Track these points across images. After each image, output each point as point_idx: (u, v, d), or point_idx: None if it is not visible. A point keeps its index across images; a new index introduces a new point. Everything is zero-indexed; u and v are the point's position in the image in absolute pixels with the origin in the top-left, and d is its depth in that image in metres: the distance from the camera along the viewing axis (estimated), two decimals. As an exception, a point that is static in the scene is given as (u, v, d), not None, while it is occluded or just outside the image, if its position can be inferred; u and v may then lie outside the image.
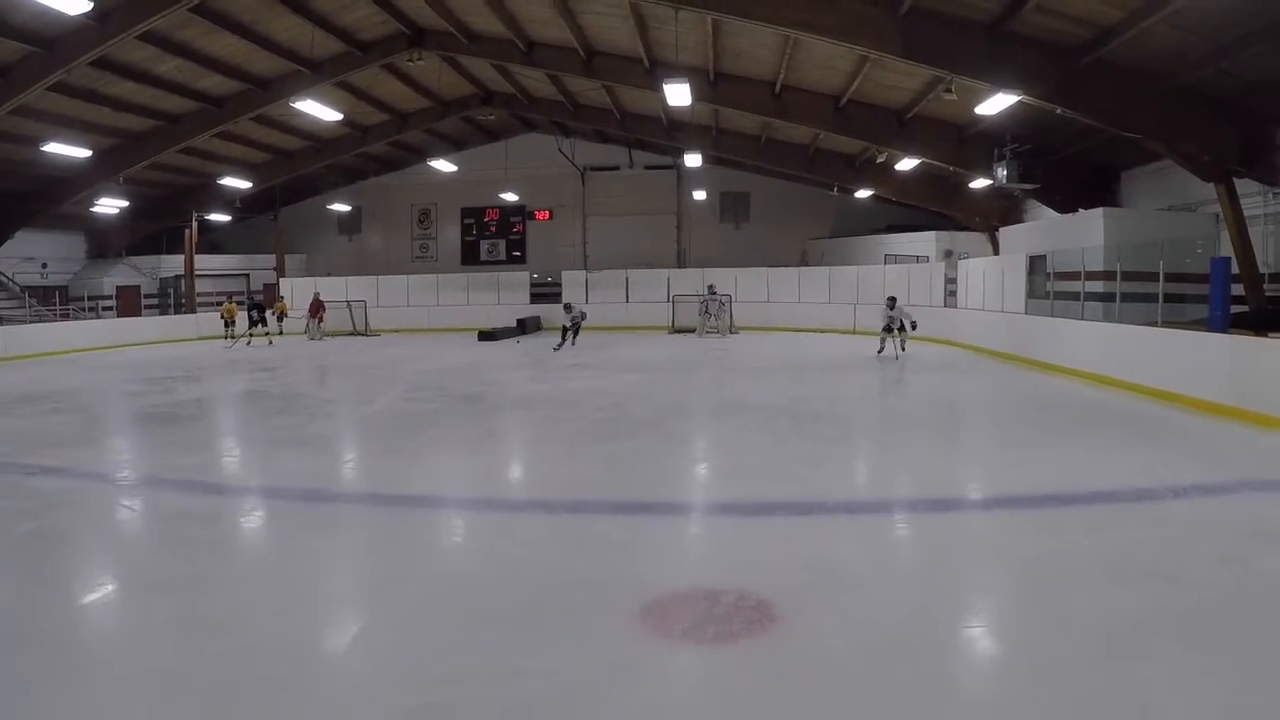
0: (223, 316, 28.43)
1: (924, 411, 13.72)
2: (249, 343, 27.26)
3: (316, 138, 29.95)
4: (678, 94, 16.65)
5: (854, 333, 28.20)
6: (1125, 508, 7.59)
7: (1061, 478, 8.53)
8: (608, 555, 6.36)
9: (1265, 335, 13.08)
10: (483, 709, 4.04)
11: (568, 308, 23.89)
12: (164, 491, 8.58)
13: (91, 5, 12.42)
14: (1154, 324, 14.94)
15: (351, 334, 31.27)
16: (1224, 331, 13.88)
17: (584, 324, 24.20)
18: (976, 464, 9.96)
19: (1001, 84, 15.12)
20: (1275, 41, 12.60)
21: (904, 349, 20.73)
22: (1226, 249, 16.04)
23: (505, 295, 33.44)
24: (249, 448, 11.23)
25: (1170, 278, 15.77)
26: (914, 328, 19.64)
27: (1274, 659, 4.48)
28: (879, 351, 20.24)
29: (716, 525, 7.44)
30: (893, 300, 21.13)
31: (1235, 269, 15.55)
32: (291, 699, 4.16)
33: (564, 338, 23.22)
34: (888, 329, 20.86)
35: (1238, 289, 15.69)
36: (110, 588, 5.97)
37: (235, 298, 30.18)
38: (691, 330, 29.20)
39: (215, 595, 5.54)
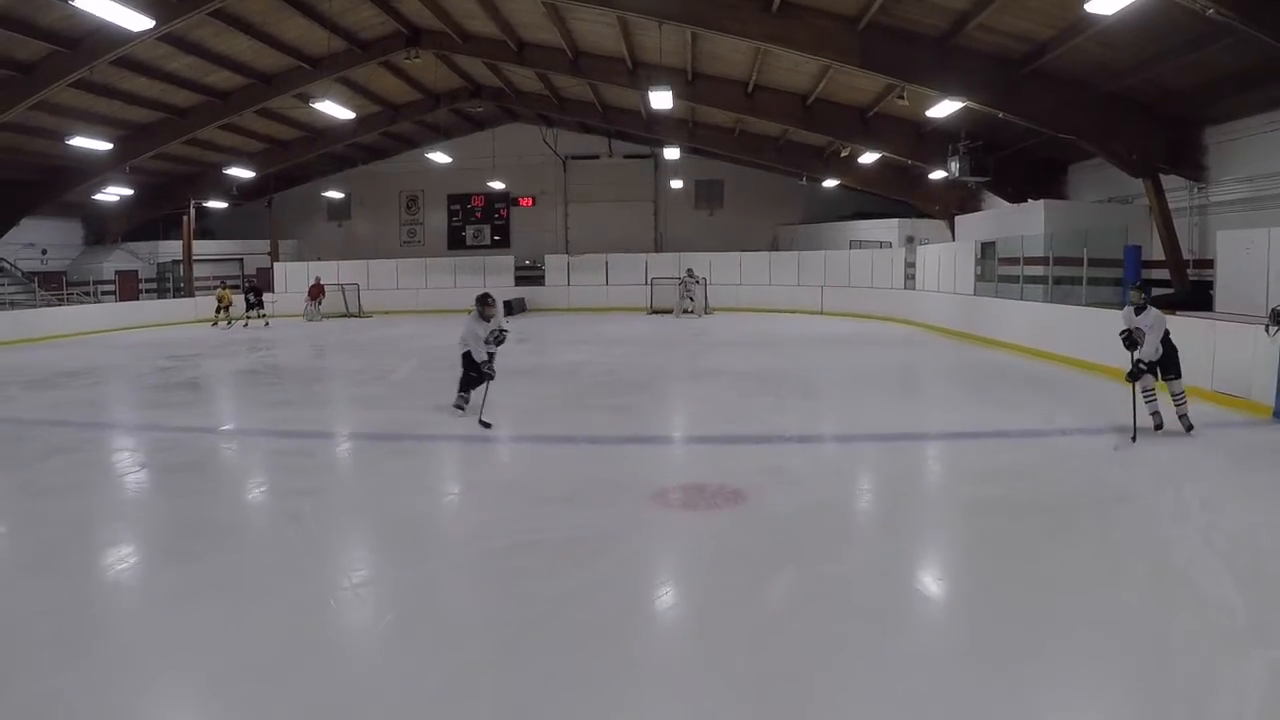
0: (218, 299, 29.27)
1: (872, 376, 15.67)
2: (245, 324, 28.31)
3: (311, 129, 31.10)
4: (661, 99, 18.49)
5: (821, 313, 30.16)
6: (1016, 441, 9.76)
7: (973, 422, 10.83)
8: (623, 466, 8.59)
9: (1173, 313, 15.04)
10: (552, 544, 6.09)
11: (484, 301, 11.40)
12: (257, 438, 10.53)
13: (154, 24, 13.73)
14: (1079, 304, 16.91)
15: (345, 316, 32.65)
16: (1132, 309, 15.84)
17: (556, 308, 24.08)
18: (908, 413, 12.12)
19: (949, 92, 17.01)
20: (1187, 57, 14.43)
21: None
22: (1156, 238, 17.97)
23: (491, 279, 34.52)
24: (308, 408, 13.05)
25: (1100, 263, 17.72)
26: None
27: (1094, 526, 6.57)
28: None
29: (700, 449, 9.69)
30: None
31: (1162, 256, 17.59)
32: (426, 538, 6.35)
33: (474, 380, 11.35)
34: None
35: (1165, 273, 17.69)
36: (261, 491, 7.92)
37: (228, 282, 31.24)
38: (669, 311, 30.81)
39: (341, 497, 7.60)
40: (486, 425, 10.19)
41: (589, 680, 4.12)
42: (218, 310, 28.91)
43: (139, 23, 13.22)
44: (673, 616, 5.10)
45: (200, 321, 30.41)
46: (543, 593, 5.16)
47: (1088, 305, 16.63)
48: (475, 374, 10.90)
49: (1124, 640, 4.54)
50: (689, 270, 31.00)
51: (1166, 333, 9.58)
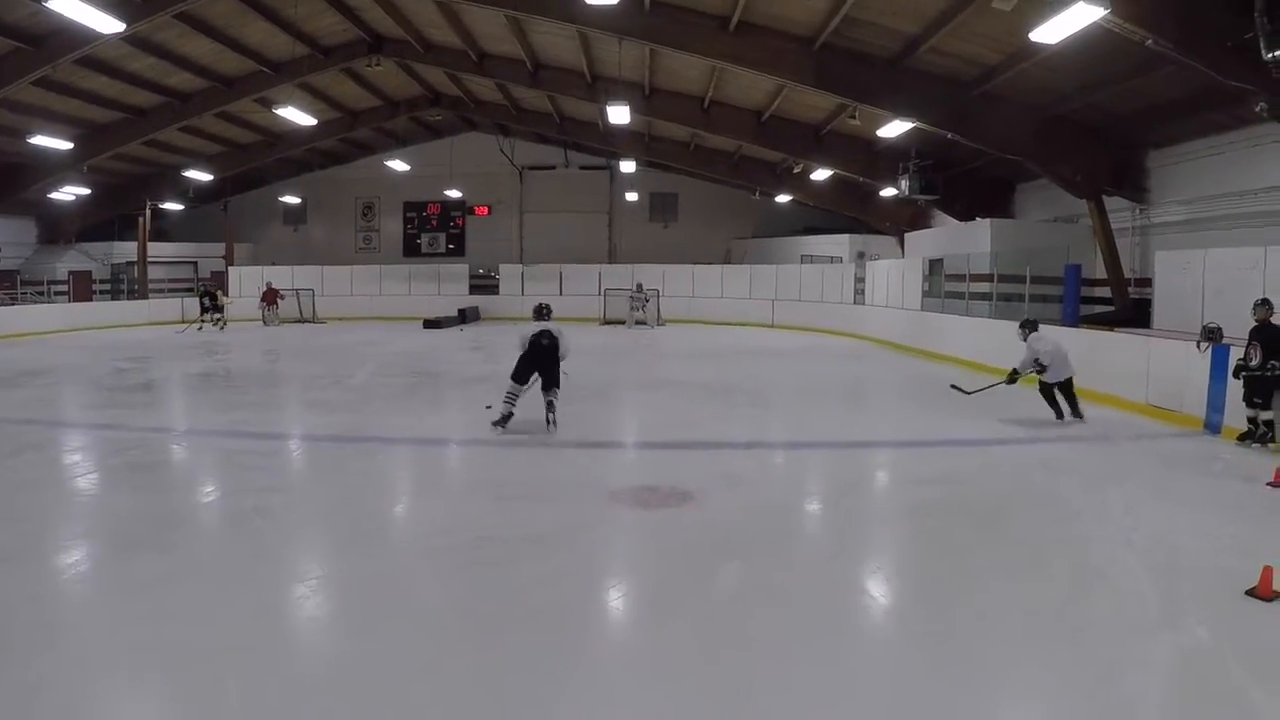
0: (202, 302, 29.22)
1: (820, 388, 16.16)
2: (199, 328, 28.01)
3: (270, 133, 30.96)
4: (618, 114, 18.86)
5: (772, 326, 30.70)
6: (955, 449, 10.26)
7: (915, 431, 11.31)
8: (579, 468, 9.01)
9: (1112, 330, 15.66)
10: (513, 539, 6.42)
11: (542, 312, 11.36)
12: (219, 439, 10.69)
13: (124, 27, 13.82)
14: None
15: (300, 321, 32.50)
16: (1074, 325, 16.50)
17: (510, 316, 23.58)
18: (853, 423, 12.72)
19: (900, 112, 17.50)
20: (1130, 83, 14.98)
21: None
22: (1100, 257, 18.52)
23: (445, 286, 35.07)
24: (268, 410, 13.24)
25: (1043, 280, 18.27)
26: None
27: (1020, 527, 7.07)
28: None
29: (652, 454, 10.04)
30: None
31: (1105, 274, 18.17)
32: (391, 532, 6.70)
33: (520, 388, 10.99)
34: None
35: (1108, 291, 18.29)
36: (214, 492, 8.14)
37: (206, 284, 31.12)
38: (622, 322, 31.18)
39: (306, 494, 7.86)
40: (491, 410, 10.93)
41: (551, 662, 4.43)
42: (207, 310, 28.90)
43: (109, 25, 13.25)
44: (627, 605, 5.44)
45: (155, 324, 30.17)
46: (505, 582, 5.48)
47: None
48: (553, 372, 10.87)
49: (1043, 628, 4.95)
50: (638, 284, 31.42)
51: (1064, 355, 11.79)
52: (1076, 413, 11.75)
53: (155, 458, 9.39)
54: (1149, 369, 12.59)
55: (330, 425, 11.34)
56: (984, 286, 19.85)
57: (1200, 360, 11.09)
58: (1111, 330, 15.59)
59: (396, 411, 12.46)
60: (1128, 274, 18.30)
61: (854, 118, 18.89)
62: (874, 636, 4.96)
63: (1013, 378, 12.13)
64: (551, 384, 10.76)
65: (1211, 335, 10.93)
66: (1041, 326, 12.37)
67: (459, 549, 6.17)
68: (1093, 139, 17.92)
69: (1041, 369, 11.70)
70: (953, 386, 13.13)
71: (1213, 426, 10.88)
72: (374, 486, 8.23)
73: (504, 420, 10.65)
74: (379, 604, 5.16)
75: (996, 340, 17.41)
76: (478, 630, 4.79)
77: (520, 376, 10.70)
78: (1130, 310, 17.70)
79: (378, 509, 7.41)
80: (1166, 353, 12.45)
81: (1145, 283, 17.94)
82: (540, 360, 10.67)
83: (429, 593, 5.43)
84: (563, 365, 10.89)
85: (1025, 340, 11.97)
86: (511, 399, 10.70)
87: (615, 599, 5.53)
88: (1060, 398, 11.78)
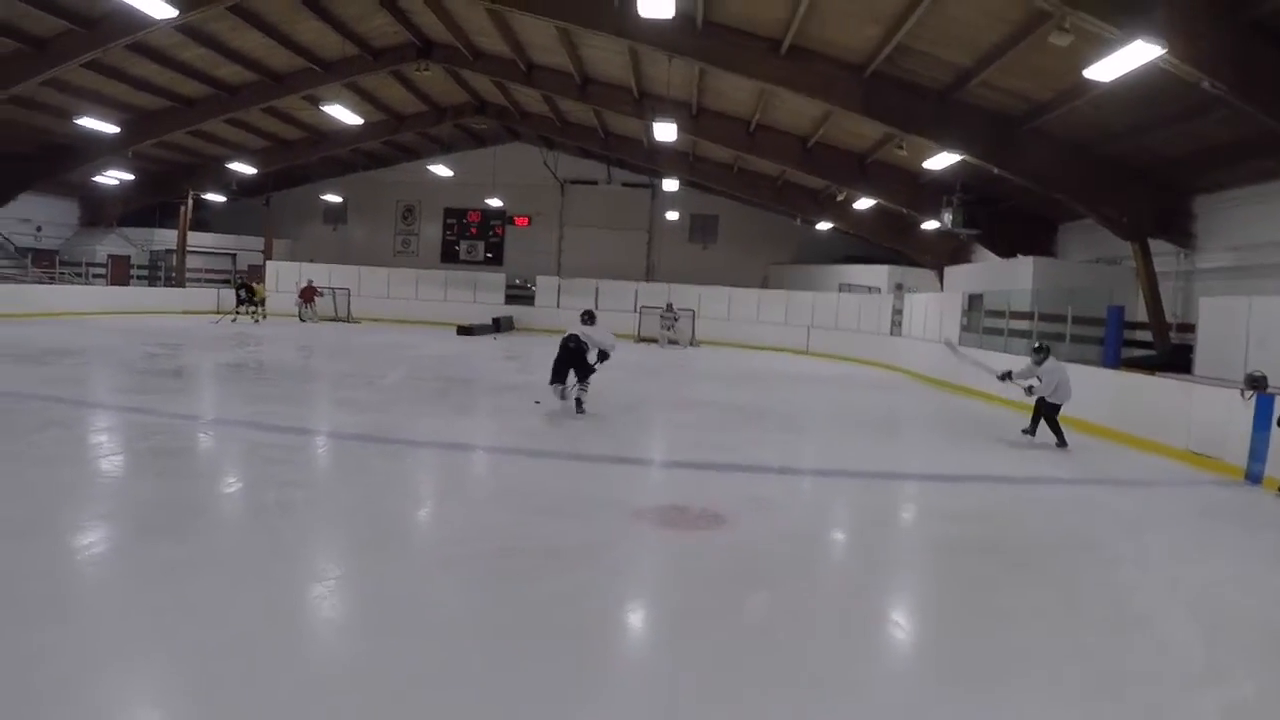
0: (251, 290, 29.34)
1: (853, 417, 15.95)
2: (234, 320, 28.32)
3: (315, 130, 31.25)
4: (665, 131, 18.84)
5: (806, 353, 30.53)
6: (988, 485, 10.05)
7: (948, 465, 11.05)
8: (607, 483, 8.80)
9: (1153, 374, 15.40)
10: (537, 551, 6.24)
11: (584, 317, 13.29)
12: (244, 429, 10.63)
13: (177, 14, 13.85)
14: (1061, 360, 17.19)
15: (334, 319, 32.68)
16: (1115, 368, 16.25)
17: (544, 328, 24.91)
18: (886, 453, 12.38)
19: (947, 144, 17.39)
20: (1181, 126, 14.85)
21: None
22: (1142, 300, 18.24)
23: (481, 294, 35.15)
24: (296, 405, 13.07)
25: (1084, 321, 18.05)
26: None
27: (1056, 569, 6.78)
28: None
29: (683, 474, 9.75)
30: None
31: (1146, 318, 17.91)
32: (414, 537, 6.53)
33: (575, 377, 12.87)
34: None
35: (1148, 335, 18.01)
36: (236, 483, 8.04)
37: (243, 276, 31.30)
38: (655, 340, 31.21)
39: (330, 491, 7.75)
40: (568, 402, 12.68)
41: (566, 681, 4.27)
42: (243, 302, 29.02)
43: (162, 10, 13.42)
44: (649, 627, 5.27)
45: (189, 313, 30.39)
46: (524, 596, 5.30)
47: (1069, 361, 16.86)
48: (583, 368, 12.61)
49: (1082, 676, 4.71)
50: (669, 304, 31.50)
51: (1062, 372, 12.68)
52: (1060, 440, 12.50)
53: (180, 444, 9.34)
54: (1190, 415, 12.27)
55: (358, 424, 11.24)
56: (1023, 324, 19.59)
57: (1244, 408, 10.82)
58: (1152, 374, 15.33)
59: (425, 415, 12.34)
60: (1169, 318, 18.04)
61: (901, 148, 18.77)
62: (901, 677, 4.74)
63: (1005, 377, 13.17)
64: (581, 377, 12.57)
65: (1256, 384, 10.66)
66: (1052, 359, 13.02)
67: (479, 558, 6.00)
68: (1139, 181, 17.70)
69: (1029, 390, 12.94)
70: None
71: (1254, 476, 10.56)
72: (397, 488, 8.09)
73: (560, 394, 12.65)
74: (394, 609, 5.01)
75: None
76: (493, 643, 4.62)
77: (554, 377, 12.56)
78: (1170, 355, 17.40)
79: (399, 511, 7.28)
80: (1209, 399, 12.12)
81: (1187, 328, 17.67)
82: (567, 360, 12.46)
83: (446, 601, 5.25)
84: (601, 353, 12.69)
85: (1037, 364, 12.84)
86: (558, 392, 12.63)
87: (637, 620, 5.38)
88: (1049, 421, 12.71)
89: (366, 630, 4.76)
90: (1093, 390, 15.08)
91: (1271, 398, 10.41)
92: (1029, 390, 12.87)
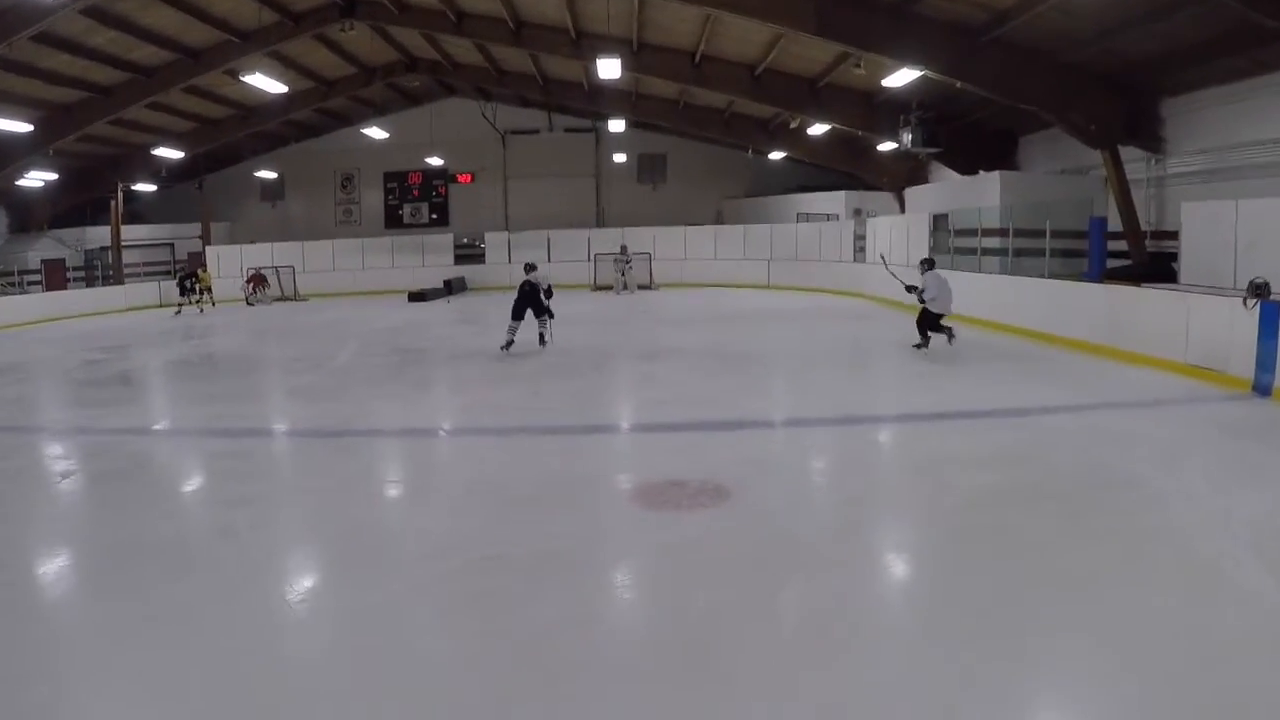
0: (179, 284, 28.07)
1: (835, 353, 15.33)
2: (177, 312, 27.09)
3: (242, 106, 29.91)
4: (609, 68, 17.89)
5: (768, 287, 29.83)
6: (1002, 421, 9.34)
7: (952, 400, 10.35)
8: (591, 460, 8.08)
9: (1139, 285, 14.87)
10: (526, 558, 5.44)
11: (526, 268, 15.76)
12: (190, 438, 9.74)
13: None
14: (1042, 276, 16.66)
15: (281, 299, 31.57)
16: (1099, 282, 15.71)
17: (498, 286, 24.62)
18: (882, 392, 11.77)
19: (907, 60, 16.53)
20: (1150, 25, 14.13)
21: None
22: (1113, 210, 17.72)
23: (430, 257, 34.01)
24: (244, 402, 11.97)
25: (1060, 235, 17.50)
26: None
27: (1106, 516, 6.12)
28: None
29: (672, 439, 8.86)
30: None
31: (1119, 227, 17.35)
32: (381, 554, 5.64)
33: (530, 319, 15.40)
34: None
35: (1124, 245, 17.47)
36: (195, 502, 7.18)
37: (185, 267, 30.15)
38: (611, 287, 30.38)
39: (282, 506, 6.91)
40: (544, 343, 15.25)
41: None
42: (188, 292, 27.86)
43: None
44: (673, 643, 4.42)
45: (133, 309, 29.32)
46: (519, 622, 4.52)
47: (1050, 278, 16.38)
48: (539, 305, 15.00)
49: (1171, 645, 4.09)
50: (622, 246, 30.69)
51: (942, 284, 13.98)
52: (950, 336, 13.87)
53: (116, 465, 8.35)
54: (1188, 327, 11.74)
55: (311, 417, 10.44)
56: (994, 242, 19.05)
57: (1247, 317, 10.28)
58: (1138, 285, 14.81)
59: (382, 396, 11.54)
60: (1143, 226, 17.53)
61: (859, 67, 17.91)
62: (969, 658, 4.05)
63: (910, 289, 14.31)
64: (540, 314, 15.11)
65: (1260, 291, 10.15)
66: (933, 272, 14.21)
67: (460, 575, 5.20)
68: (1106, 87, 17.09)
69: (923, 300, 13.90)
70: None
71: (1262, 388, 10.02)
72: (358, 494, 7.17)
73: (508, 345, 14.79)
74: (366, 656, 4.20)
75: (1012, 297, 16.69)
76: (488, 690, 3.88)
77: (515, 314, 14.89)
78: (1150, 264, 16.91)
79: (363, 523, 6.36)
80: (1208, 309, 11.56)
81: (1162, 235, 17.36)
82: (526, 301, 14.92)
83: (426, 639, 4.46)
84: (547, 290, 15.09)
85: (921, 274, 14.11)
86: (511, 331, 14.87)
87: (656, 641, 4.49)
88: (931, 328, 13.97)
89: (334, 691, 3.98)
90: (1080, 306, 14.61)
91: (1276, 305, 9.91)
92: (920, 298, 14.01)
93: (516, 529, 5.96)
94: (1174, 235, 16.32)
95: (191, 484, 7.83)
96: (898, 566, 5.37)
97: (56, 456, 8.99)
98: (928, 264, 14.46)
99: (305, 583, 5.36)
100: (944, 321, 13.97)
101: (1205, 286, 13.10)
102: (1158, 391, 10.66)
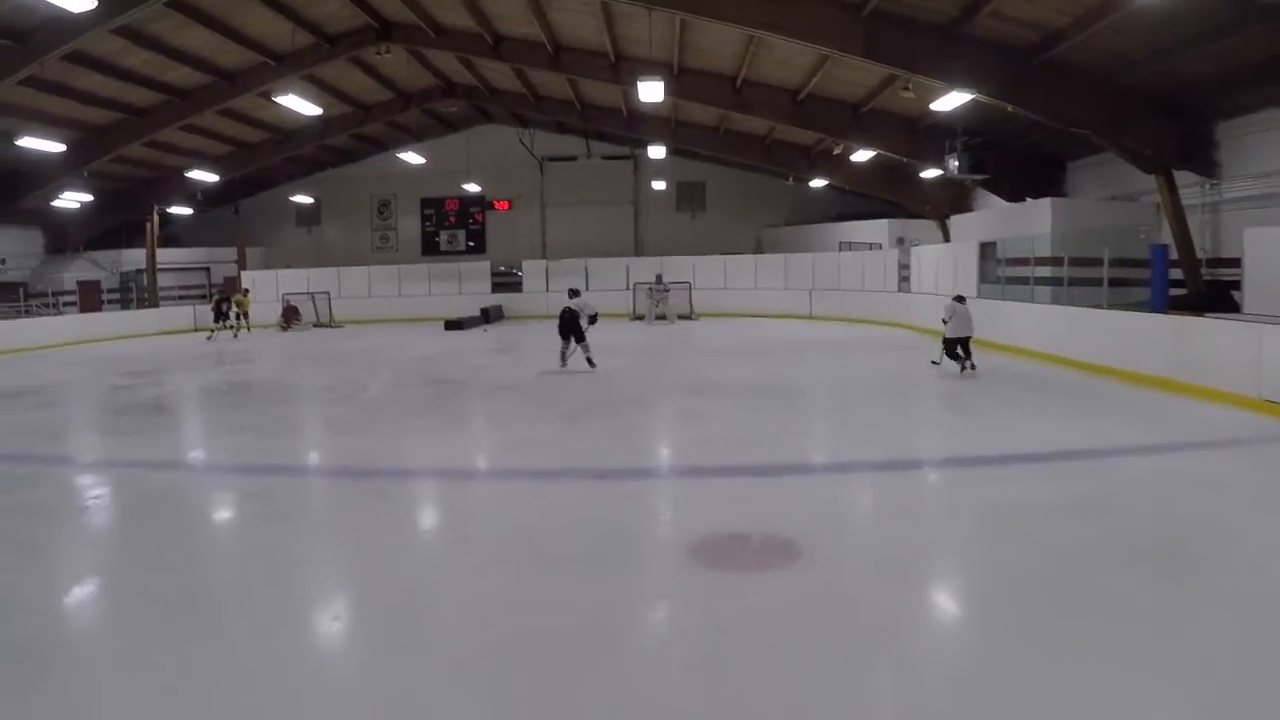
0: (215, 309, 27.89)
1: (887, 388, 14.62)
2: (209, 338, 26.87)
3: (278, 130, 29.87)
4: (650, 91, 17.39)
5: (810, 318, 29.24)
6: (1082, 464, 8.66)
7: (1023, 440, 9.74)
8: (643, 509, 7.40)
9: (1203, 315, 14.16)
10: (576, 631, 4.77)
11: (569, 293, 16.81)
12: (212, 475, 9.26)
13: (95, 3, 12.49)
14: (1099, 306, 15.97)
15: (316, 326, 31.26)
16: (1164, 312, 15.01)
17: (535, 314, 24.72)
18: (945, 429, 11.01)
19: (956, 83, 15.99)
20: (1207, 46, 13.65)
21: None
22: (1166, 236, 17.06)
23: (467, 285, 33.73)
24: (271, 435, 11.27)
25: (1118, 263, 16.84)
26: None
27: (1205, 569, 5.57)
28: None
29: (726, 484, 8.19)
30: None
31: (1174, 255, 16.68)
32: (411, 624, 4.97)
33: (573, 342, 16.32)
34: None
35: (1176, 273, 16.76)
36: (211, 552, 6.62)
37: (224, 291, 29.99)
38: (643, 317, 29.93)
39: (303, 560, 6.33)
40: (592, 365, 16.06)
41: None
42: (238, 317, 28.02)
43: (79, 3, 12.09)
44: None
45: (166, 334, 29.18)
46: (577, 712, 3.91)
47: (1111, 308, 15.70)
48: (578, 331, 16.05)
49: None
50: (657, 276, 30.32)
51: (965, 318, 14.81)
52: (971, 364, 14.70)
53: (127, 503, 7.83)
54: (1261, 359, 11.05)
55: (340, 453, 9.93)
56: (1044, 270, 18.47)
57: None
58: (1201, 315, 14.11)
59: (415, 431, 10.96)
60: (1198, 254, 16.94)
61: (908, 89, 17.34)
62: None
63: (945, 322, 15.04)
64: (578, 340, 16.03)
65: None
66: (953, 303, 15.07)
67: (497, 653, 4.49)
68: (1159, 110, 16.61)
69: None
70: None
71: (1348, 426, 9.39)
72: (388, 547, 6.43)
73: (563, 362, 16.27)
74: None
75: (1067, 328, 16.03)
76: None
77: (561, 335, 16.15)
78: (1209, 293, 16.27)
79: (391, 583, 5.63)
80: (1284, 341, 10.95)
81: (1218, 263, 16.87)
82: (563, 327, 16.08)
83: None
84: (590, 317, 16.32)
85: (948, 306, 15.04)
86: (562, 350, 16.26)
87: None
88: (959, 351, 14.73)
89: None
90: (1142, 338, 13.91)
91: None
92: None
93: (564, 593, 5.30)
94: (1231, 263, 16.06)
95: (207, 529, 7.22)
96: (1008, 650, 4.54)
97: (66, 492, 8.39)
98: (957, 299, 15.34)
99: (325, 657, 4.74)
100: (960, 351, 14.80)
101: (1273, 316, 12.47)
102: (1233, 430, 10.01)
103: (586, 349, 16.00)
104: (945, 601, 5.43)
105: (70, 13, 13.08)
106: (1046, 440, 9.63)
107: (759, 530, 6.32)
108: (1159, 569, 5.54)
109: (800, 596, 5.22)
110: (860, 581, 5.46)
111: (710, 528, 6.46)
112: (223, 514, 7.67)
